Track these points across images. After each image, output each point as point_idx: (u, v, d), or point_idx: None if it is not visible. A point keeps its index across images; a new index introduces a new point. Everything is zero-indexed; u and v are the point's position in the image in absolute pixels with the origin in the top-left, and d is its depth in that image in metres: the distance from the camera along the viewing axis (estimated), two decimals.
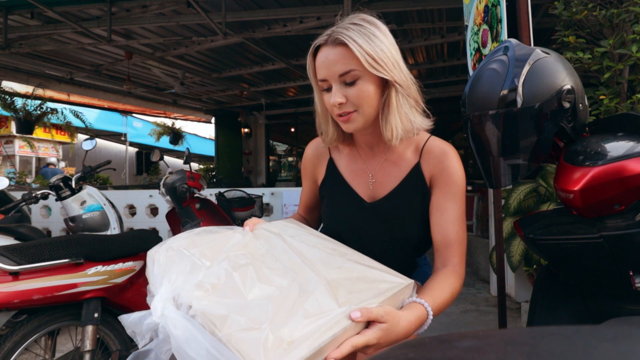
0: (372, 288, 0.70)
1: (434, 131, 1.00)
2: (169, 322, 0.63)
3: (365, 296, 0.67)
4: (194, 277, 0.70)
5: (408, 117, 0.91)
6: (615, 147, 0.91)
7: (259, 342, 0.56)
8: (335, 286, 0.68)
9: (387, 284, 0.72)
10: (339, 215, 1.03)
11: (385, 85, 0.90)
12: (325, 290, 0.67)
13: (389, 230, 0.97)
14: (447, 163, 0.93)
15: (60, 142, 10.00)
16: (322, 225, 1.15)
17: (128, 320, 0.72)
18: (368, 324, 0.64)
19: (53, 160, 8.58)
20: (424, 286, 0.82)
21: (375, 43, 0.85)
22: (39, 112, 6.63)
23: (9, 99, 6.39)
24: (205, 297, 0.65)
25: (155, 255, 0.78)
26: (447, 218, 0.91)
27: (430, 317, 0.74)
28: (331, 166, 1.07)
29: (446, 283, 0.82)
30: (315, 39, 0.90)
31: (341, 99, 0.87)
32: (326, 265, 0.75)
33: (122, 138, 11.28)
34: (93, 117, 9.50)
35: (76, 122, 7.78)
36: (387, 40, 0.88)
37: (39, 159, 9.75)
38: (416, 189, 0.96)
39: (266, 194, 4.55)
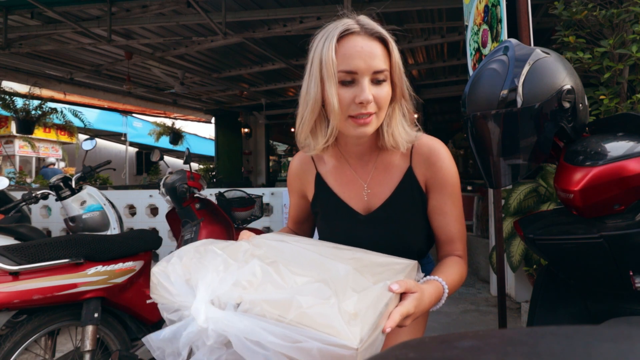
0: (389, 270, 0.74)
1: (434, 131, 0.99)
2: (221, 322, 0.58)
3: (388, 276, 0.71)
4: (229, 277, 0.66)
5: (405, 128, 0.90)
6: (615, 147, 0.91)
7: (335, 312, 0.56)
8: (361, 272, 0.70)
9: (399, 265, 0.77)
10: (335, 231, 0.99)
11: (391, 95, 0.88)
12: (357, 273, 0.69)
13: (388, 240, 0.94)
14: (440, 164, 0.90)
15: (60, 142, 9.99)
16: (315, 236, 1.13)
17: (159, 338, 0.65)
18: (400, 297, 0.69)
19: (52, 160, 8.55)
20: (433, 271, 0.85)
21: (397, 51, 0.84)
22: (39, 112, 6.63)
23: (9, 99, 6.39)
24: (249, 293, 0.62)
25: (168, 269, 0.73)
26: (449, 219, 0.91)
27: (446, 293, 0.77)
28: (319, 181, 1.01)
29: (454, 268, 0.85)
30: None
31: (371, 97, 0.80)
32: (340, 258, 0.75)
33: (122, 138, 11.27)
34: (93, 117, 9.49)
35: (76, 122, 7.78)
36: None
37: (39, 159, 9.75)
38: (412, 194, 0.92)
39: (266, 194, 4.54)
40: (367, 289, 0.64)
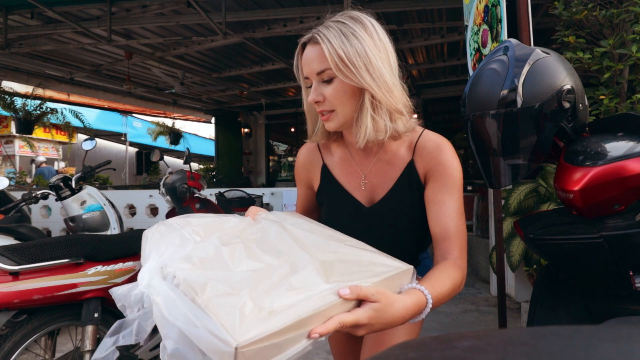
0: (366, 271, 0.67)
1: (434, 131, 0.98)
2: (152, 290, 0.63)
3: (357, 277, 0.64)
4: (182, 250, 0.70)
5: (383, 121, 0.86)
6: (615, 147, 0.91)
7: (235, 306, 0.54)
8: (327, 268, 0.65)
9: (383, 267, 0.69)
10: (339, 222, 0.99)
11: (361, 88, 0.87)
12: (315, 270, 0.64)
13: (390, 231, 0.95)
14: (442, 157, 0.89)
15: (60, 142, 9.98)
16: None
17: (118, 292, 0.72)
18: (360, 304, 0.62)
19: (43, 158, 8.45)
20: (423, 278, 0.78)
21: (351, 44, 0.82)
22: (38, 112, 6.63)
23: (9, 99, 6.39)
24: (191, 269, 0.64)
25: (149, 233, 0.81)
26: (445, 211, 0.87)
27: (430, 304, 0.70)
28: (325, 172, 1.03)
29: (446, 274, 0.78)
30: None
31: (317, 97, 0.87)
32: (321, 249, 0.72)
33: (122, 138, 11.27)
34: (93, 117, 9.48)
35: (76, 122, 7.78)
36: (370, 40, 0.83)
37: (32, 160, 9.72)
38: (410, 186, 0.93)
39: (266, 194, 4.55)
40: (307, 288, 0.59)
